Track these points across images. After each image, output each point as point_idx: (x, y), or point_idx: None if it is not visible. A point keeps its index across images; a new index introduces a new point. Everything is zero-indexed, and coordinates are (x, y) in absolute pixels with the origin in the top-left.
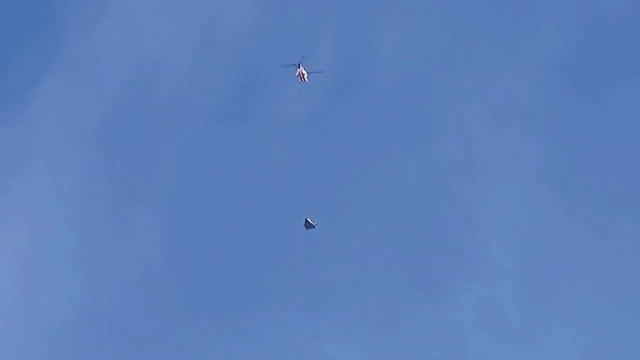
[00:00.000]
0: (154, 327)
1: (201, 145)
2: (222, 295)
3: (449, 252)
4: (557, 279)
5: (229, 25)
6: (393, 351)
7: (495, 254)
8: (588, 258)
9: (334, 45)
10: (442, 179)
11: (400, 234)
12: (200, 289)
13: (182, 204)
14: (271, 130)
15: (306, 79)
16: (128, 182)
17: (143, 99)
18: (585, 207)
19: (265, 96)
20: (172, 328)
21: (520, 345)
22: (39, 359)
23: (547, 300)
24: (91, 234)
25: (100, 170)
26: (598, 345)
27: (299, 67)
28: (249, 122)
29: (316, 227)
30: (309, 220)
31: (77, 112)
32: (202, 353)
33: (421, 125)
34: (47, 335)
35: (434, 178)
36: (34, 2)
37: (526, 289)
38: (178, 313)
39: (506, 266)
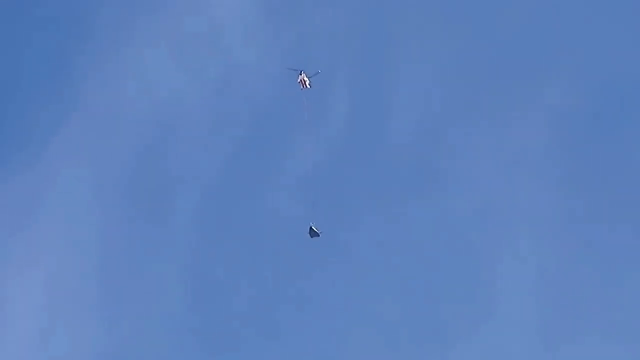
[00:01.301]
0: None
1: (219, 194)
2: (241, 343)
3: (463, 303)
4: (576, 331)
5: (245, 76)
6: None
7: (512, 305)
8: (609, 310)
9: (349, 95)
10: (457, 231)
11: (414, 286)
12: (220, 336)
13: (201, 252)
14: (286, 179)
15: (308, 85)
16: (147, 231)
17: (160, 149)
18: (605, 257)
19: (281, 145)
20: None
21: None
22: None
23: (566, 354)
24: (110, 283)
25: (119, 219)
26: None
27: (301, 74)
28: (265, 171)
29: (320, 236)
30: (313, 227)
31: (95, 163)
32: None
33: (436, 176)
34: None
35: (449, 229)
36: (50, 53)
37: (543, 341)
38: None
39: (522, 318)
